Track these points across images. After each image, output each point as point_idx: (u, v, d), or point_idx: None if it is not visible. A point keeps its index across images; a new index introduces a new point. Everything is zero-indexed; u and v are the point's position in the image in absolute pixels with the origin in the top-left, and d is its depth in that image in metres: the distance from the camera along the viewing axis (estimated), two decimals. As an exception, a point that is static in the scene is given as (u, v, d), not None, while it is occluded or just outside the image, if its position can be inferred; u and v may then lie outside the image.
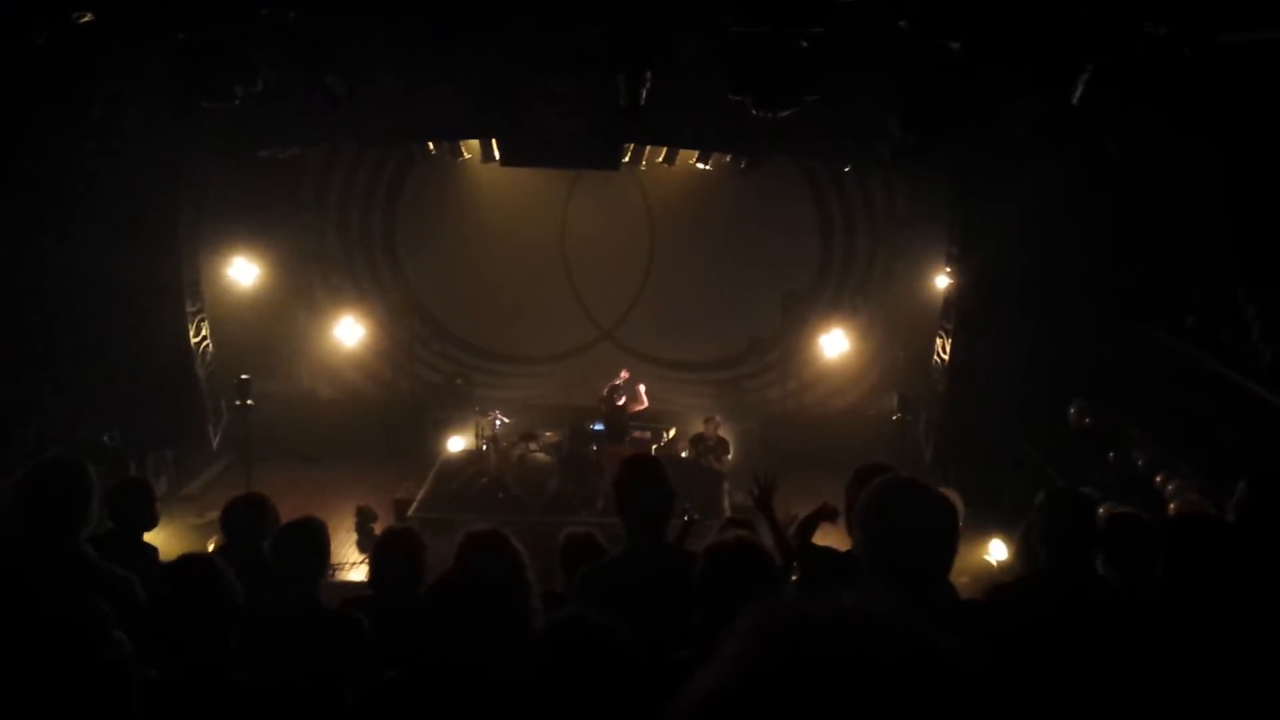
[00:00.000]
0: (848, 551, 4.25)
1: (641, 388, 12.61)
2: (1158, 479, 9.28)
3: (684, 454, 12.68)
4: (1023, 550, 4.91)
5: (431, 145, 11.74)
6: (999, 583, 5.12)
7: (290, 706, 2.69)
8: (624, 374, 12.61)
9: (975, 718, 0.91)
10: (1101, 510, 4.53)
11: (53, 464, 4.41)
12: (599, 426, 12.37)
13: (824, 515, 4.72)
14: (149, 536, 5.40)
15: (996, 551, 9.56)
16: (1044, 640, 3.18)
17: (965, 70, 6.66)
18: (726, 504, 11.68)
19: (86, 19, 6.34)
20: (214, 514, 10.26)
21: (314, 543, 4.08)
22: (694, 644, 2.91)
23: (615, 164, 10.98)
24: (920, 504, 2.69)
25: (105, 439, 10.87)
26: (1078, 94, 6.38)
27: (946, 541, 2.68)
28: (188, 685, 2.54)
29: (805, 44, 6.82)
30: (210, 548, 8.73)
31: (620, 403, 12.26)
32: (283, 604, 3.79)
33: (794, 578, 4.57)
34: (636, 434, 12.63)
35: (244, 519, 4.85)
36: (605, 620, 2.43)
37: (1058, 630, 3.27)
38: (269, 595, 3.72)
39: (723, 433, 12.62)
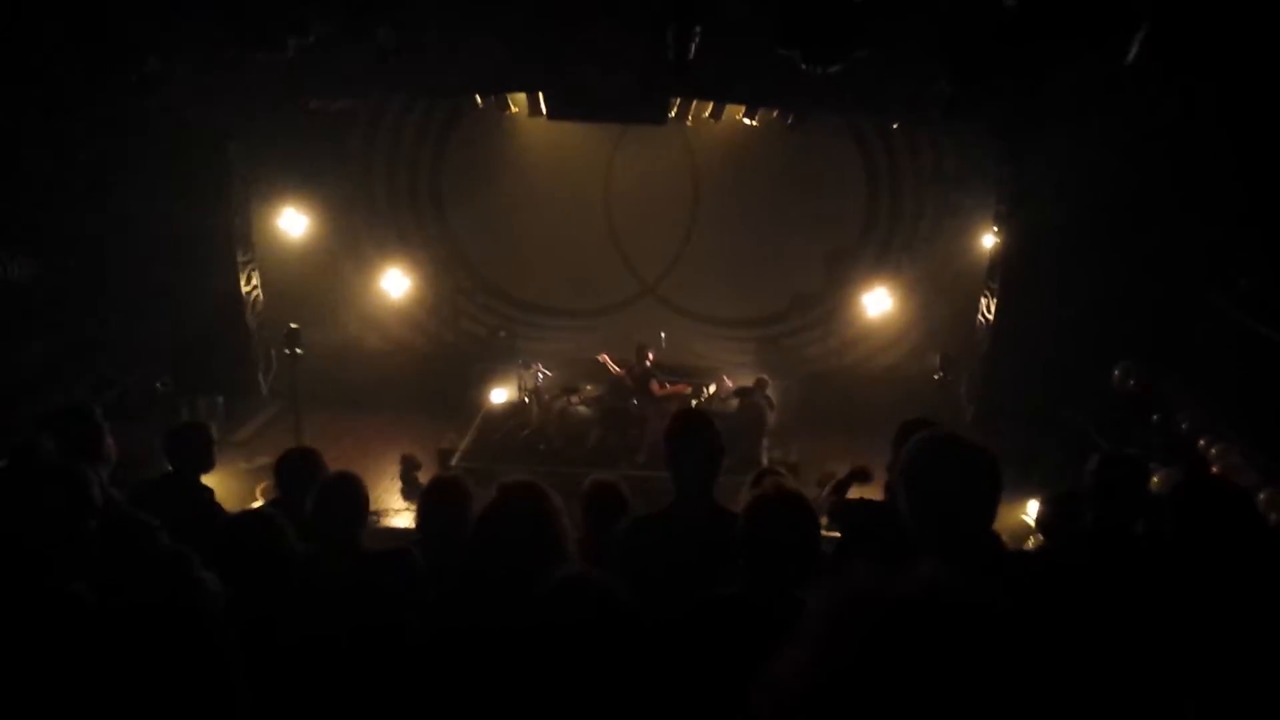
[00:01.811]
0: (880, 501, 4.29)
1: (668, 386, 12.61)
2: (1201, 442, 9.22)
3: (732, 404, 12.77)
4: (1048, 511, 4.92)
5: (479, 98, 11.76)
6: (1043, 545, 5.15)
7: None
8: (603, 357, 12.61)
9: (1045, 687, 0.96)
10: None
11: (64, 410, 4.60)
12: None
13: (856, 477, 4.75)
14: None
15: (1034, 512, 9.54)
16: (1090, 597, 3.21)
17: (1018, 28, 6.58)
18: (765, 459, 11.76)
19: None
20: (264, 459, 10.65)
21: (352, 499, 4.22)
22: (738, 584, 2.97)
23: (662, 118, 10.95)
24: (961, 458, 2.72)
25: (158, 385, 11.13)
26: (1132, 53, 6.29)
27: (988, 495, 2.70)
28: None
29: (855, -1, 6.77)
30: (258, 492, 8.99)
31: (647, 362, 12.29)
32: (328, 556, 3.93)
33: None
34: (678, 386, 12.69)
35: (297, 471, 4.94)
36: (607, 580, 2.48)
37: (1103, 588, 3.29)
38: (315, 547, 3.87)
39: (770, 392, 12.66)
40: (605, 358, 12.53)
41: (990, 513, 2.72)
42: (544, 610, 2.39)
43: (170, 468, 5.33)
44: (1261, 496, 7.59)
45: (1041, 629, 1.01)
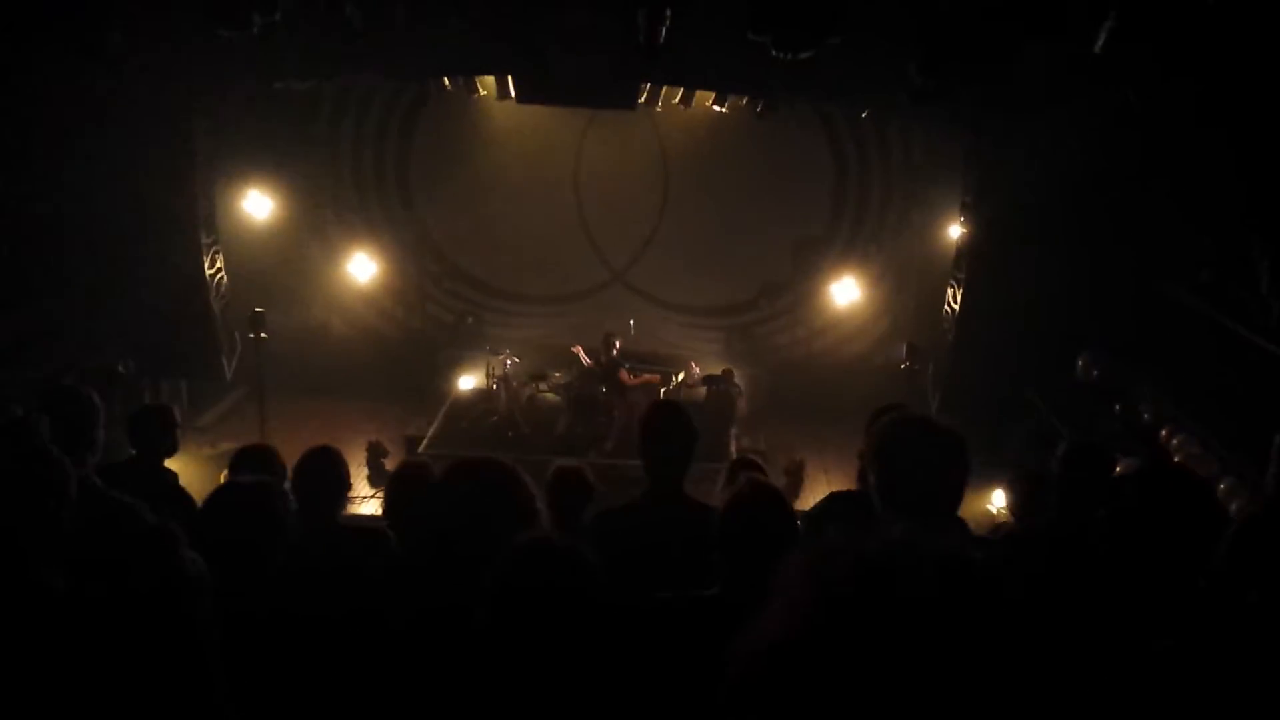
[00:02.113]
0: (853, 490, 4.29)
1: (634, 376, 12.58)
2: (1162, 433, 9.33)
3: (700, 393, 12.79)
4: (1015, 498, 4.97)
5: (447, 81, 11.67)
6: (1008, 529, 5.18)
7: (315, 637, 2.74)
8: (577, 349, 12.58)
9: (1021, 648, 0.94)
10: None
11: (59, 392, 4.49)
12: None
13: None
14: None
15: (999, 500, 9.64)
16: (1049, 586, 3.22)
17: (987, 15, 6.60)
18: (733, 448, 11.81)
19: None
20: (227, 445, 10.51)
21: (335, 472, 4.24)
22: (718, 583, 2.96)
23: (631, 104, 10.92)
24: (931, 438, 2.74)
25: (120, 368, 10.97)
26: (1100, 42, 6.33)
27: (957, 475, 2.73)
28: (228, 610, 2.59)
29: (827, -15, 6.77)
30: (222, 479, 8.87)
31: (614, 351, 12.28)
32: (306, 530, 3.90)
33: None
34: (646, 376, 12.70)
35: (254, 468, 4.89)
36: (571, 543, 2.44)
37: (1062, 577, 3.31)
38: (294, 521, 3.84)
39: (738, 380, 12.67)
40: (579, 349, 12.48)
41: (957, 492, 2.74)
42: (507, 574, 2.34)
43: (133, 451, 5.26)
44: (1221, 486, 7.69)
45: (1014, 592, 1.00)
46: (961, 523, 3.22)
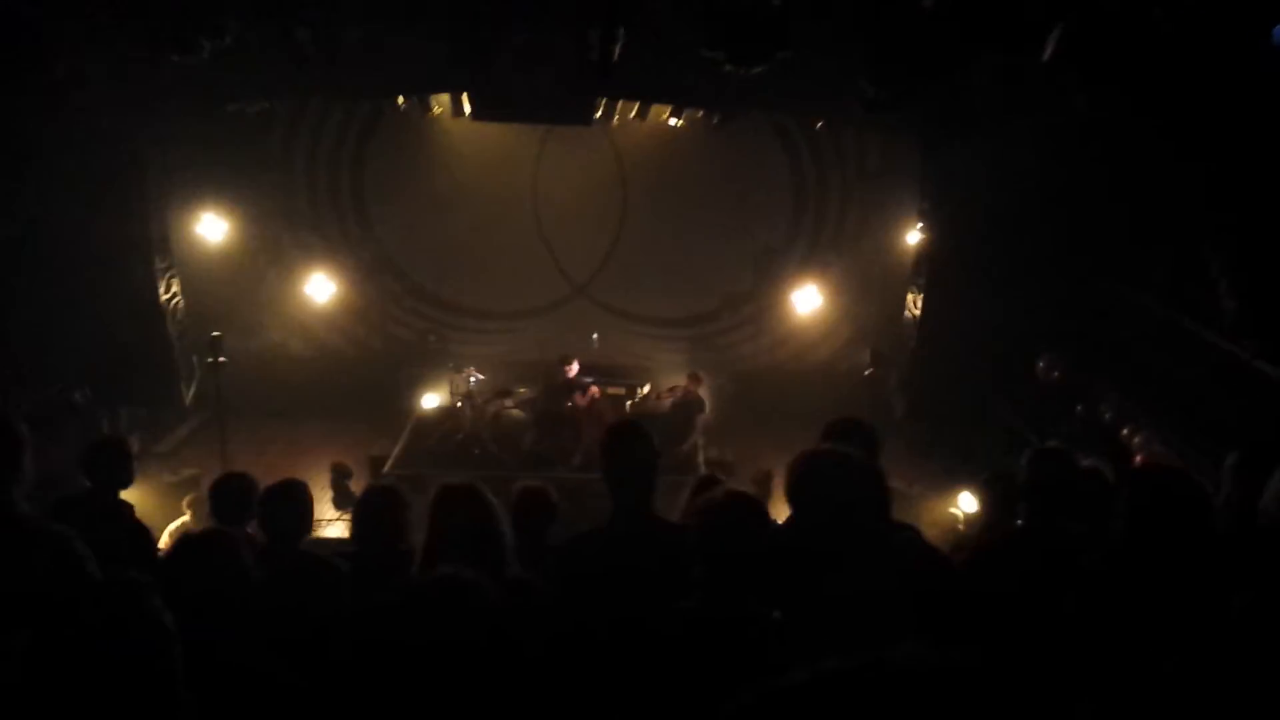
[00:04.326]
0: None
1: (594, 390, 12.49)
2: (1123, 432, 9.45)
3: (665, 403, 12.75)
4: (989, 501, 4.98)
5: (400, 99, 11.62)
6: (980, 542, 5.19)
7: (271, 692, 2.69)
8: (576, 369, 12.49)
9: None
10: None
11: None
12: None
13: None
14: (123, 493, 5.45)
15: (965, 504, 9.69)
16: (1027, 600, 3.21)
17: (935, 26, 6.66)
18: (700, 459, 11.80)
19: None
20: (188, 471, 10.38)
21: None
22: (696, 596, 2.94)
23: (587, 119, 10.92)
24: (831, 476, 2.86)
25: (76, 397, 10.81)
26: (1048, 52, 6.40)
27: (866, 500, 2.84)
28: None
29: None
30: (184, 505, 8.74)
31: (571, 375, 12.21)
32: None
33: None
34: (611, 390, 12.66)
35: (231, 499, 4.92)
36: (473, 578, 2.36)
37: (1040, 590, 3.29)
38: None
39: (702, 391, 12.65)
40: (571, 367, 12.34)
41: (873, 511, 2.84)
42: (405, 612, 2.29)
43: (89, 484, 5.20)
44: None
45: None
46: (911, 533, 3.24)
